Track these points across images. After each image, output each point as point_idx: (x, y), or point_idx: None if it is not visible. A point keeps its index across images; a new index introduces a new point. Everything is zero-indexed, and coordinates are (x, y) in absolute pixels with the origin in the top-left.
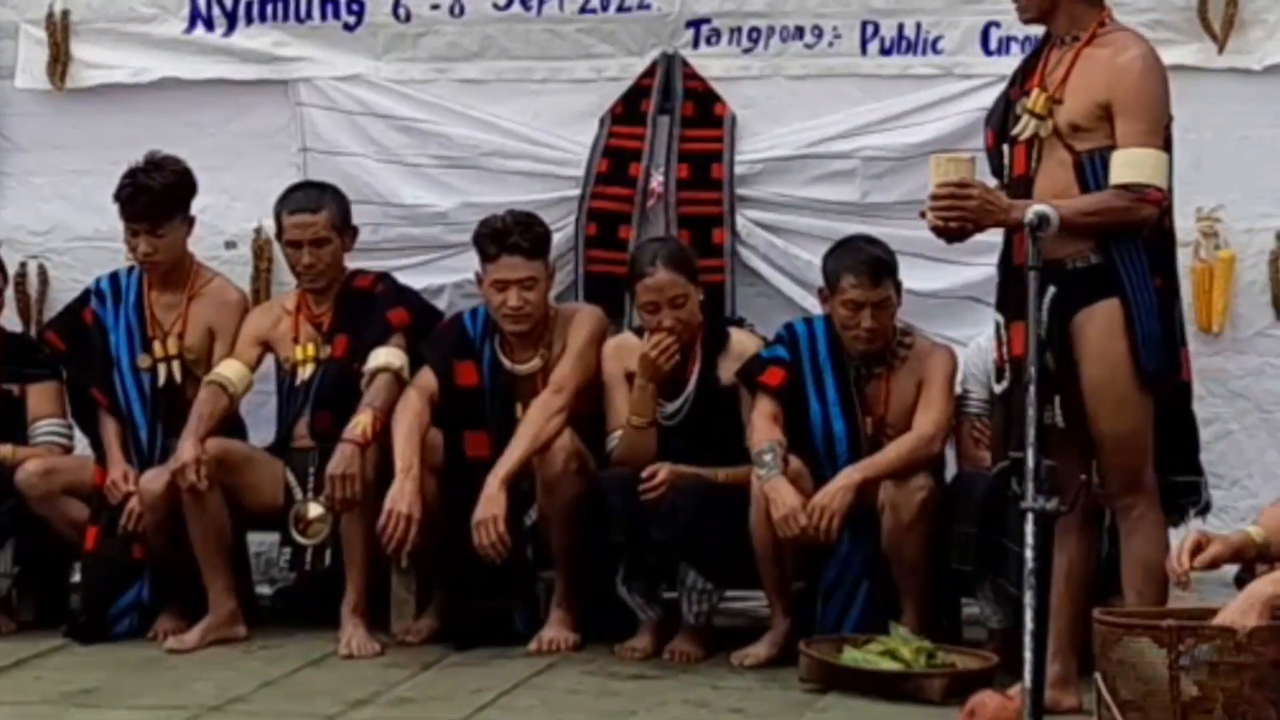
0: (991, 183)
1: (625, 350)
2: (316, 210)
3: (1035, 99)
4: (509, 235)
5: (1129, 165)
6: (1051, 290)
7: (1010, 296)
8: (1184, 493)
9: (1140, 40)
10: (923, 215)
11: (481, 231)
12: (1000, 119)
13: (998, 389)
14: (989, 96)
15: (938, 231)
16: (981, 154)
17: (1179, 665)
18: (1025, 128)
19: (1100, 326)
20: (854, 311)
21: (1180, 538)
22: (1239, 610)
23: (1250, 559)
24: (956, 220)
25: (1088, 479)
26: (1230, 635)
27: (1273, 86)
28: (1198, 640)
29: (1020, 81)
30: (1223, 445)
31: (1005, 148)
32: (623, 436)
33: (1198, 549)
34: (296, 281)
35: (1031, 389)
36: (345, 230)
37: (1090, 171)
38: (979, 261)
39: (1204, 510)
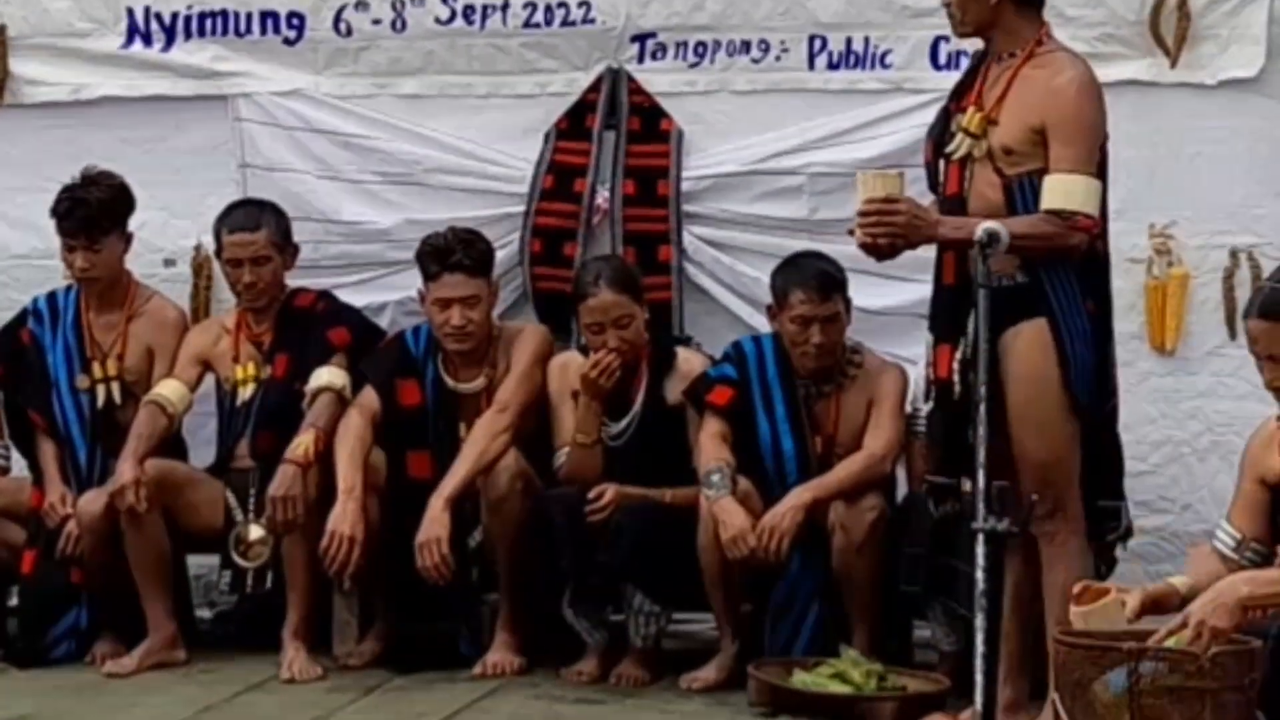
0: (928, 199)
1: (571, 368)
2: (256, 229)
3: (970, 118)
4: (451, 253)
5: (1060, 192)
6: (984, 310)
7: (937, 316)
8: (1107, 518)
9: (1078, 61)
10: (851, 233)
11: (424, 249)
12: (939, 133)
13: (923, 409)
14: (935, 113)
15: (866, 249)
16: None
17: (1139, 688)
18: (959, 146)
19: (1026, 346)
20: (803, 327)
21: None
22: (1209, 607)
23: (1171, 610)
24: (885, 236)
25: (1034, 500)
26: (1192, 659)
27: (1226, 101)
28: (1158, 663)
29: (958, 96)
30: (1174, 468)
31: (941, 163)
32: (569, 454)
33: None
34: (236, 300)
35: (982, 408)
36: (286, 248)
37: (1020, 196)
38: (928, 279)
39: (1125, 536)
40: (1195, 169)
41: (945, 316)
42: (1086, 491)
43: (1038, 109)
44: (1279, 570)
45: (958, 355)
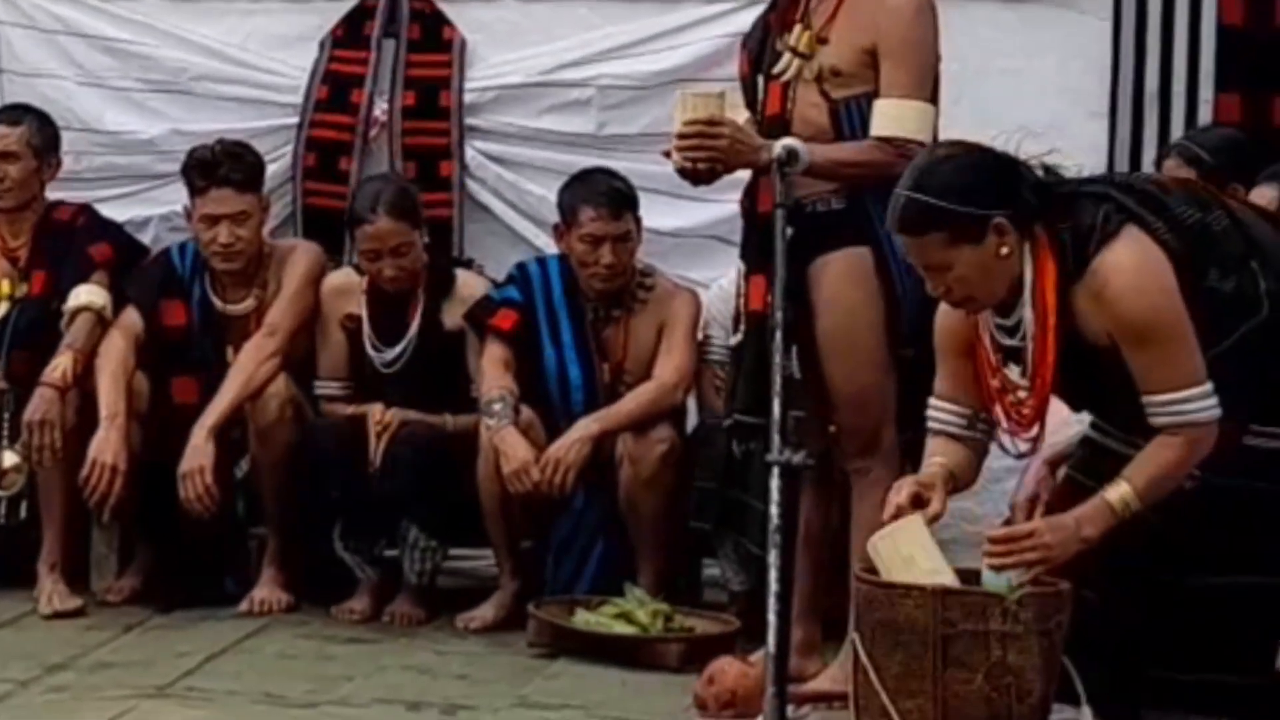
0: (742, 116)
1: (344, 292)
2: (14, 124)
3: (799, 37)
4: (218, 167)
5: (892, 118)
6: (788, 233)
7: (750, 245)
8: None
9: None
10: (667, 155)
11: (189, 162)
12: (757, 46)
13: (732, 341)
14: (737, 22)
15: (684, 173)
16: (733, 84)
17: (942, 629)
18: (787, 67)
19: (839, 274)
20: (593, 246)
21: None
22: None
23: (958, 489)
24: (705, 161)
25: (832, 433)
26: (996, 602)
27: (1035, 15)
28: (962, 605)
29: (780, 8)
30: None
31: (760, 80)
32: None
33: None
34: None
35: (778, 335)
36: (46, 155)
37: (847, 119)
38: (724, 199)
39: None
40: (1002, 86)
41: (759, 244)
42: (903, 425)
43: (870, 29)
44: (1105, 509)
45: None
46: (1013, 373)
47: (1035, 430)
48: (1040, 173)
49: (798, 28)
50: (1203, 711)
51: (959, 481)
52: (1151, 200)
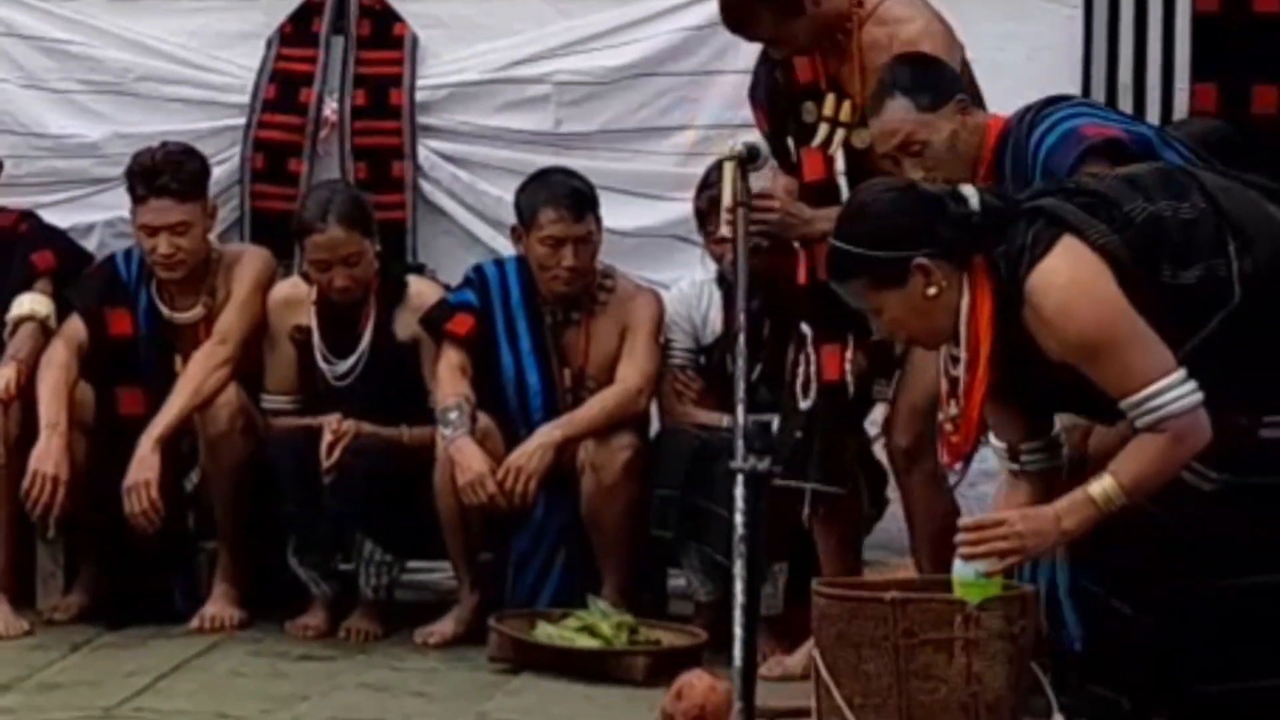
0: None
1: (292, 303)
2: None
3: (836, 106)
4: (158, 175)
5: None
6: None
7: (817, 311)
8: None
9: (915, 5)
10: (719, 242)
11: (131, 169)
12: (769, 100)
13: (803, 405)
14: (695, 15)
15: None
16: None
17: (902, 640)
18: (829, 137)
19: None
20: (554, 249)
21: None
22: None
23: None
24: (755, 236)
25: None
26: (958, 609)
27: (1005, 5)
28: (923, 614)
29: (792, 67)
30: None
31: (790, 143)
32: None
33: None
34: None
35: (741, 338)
36: None
37: None
38: (685, 197)
39: None
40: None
41: (828, 313)
42: None
43: None
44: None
45: (848, 355)
46: (953, 407)
47: (960, 464)
48: (975, 201)
49: (830, 97)
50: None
51: None
52: (1099, 202)
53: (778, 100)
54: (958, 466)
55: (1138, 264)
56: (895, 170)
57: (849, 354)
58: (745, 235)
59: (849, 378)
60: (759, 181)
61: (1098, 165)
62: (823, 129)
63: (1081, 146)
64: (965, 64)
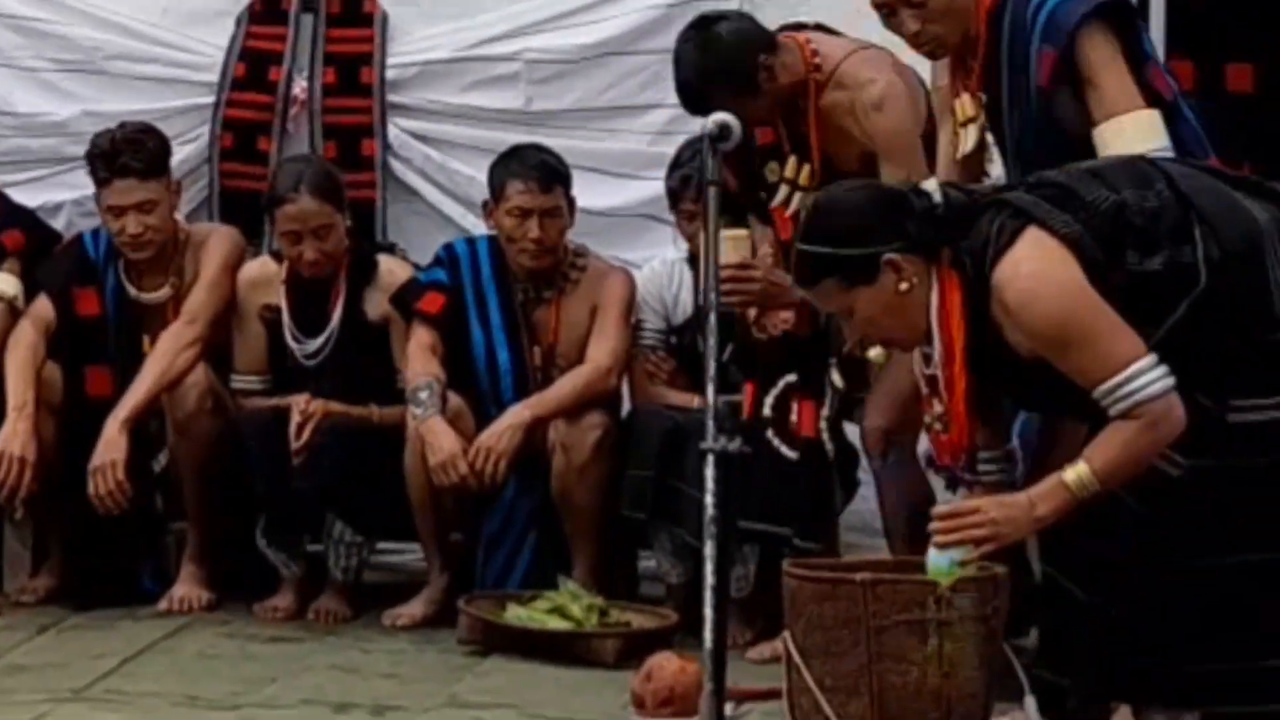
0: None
1: (261, 282)
2: None
3: (794, 170)
4: (118, 155)
5: None
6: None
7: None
8: None
9: (871, 62)
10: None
11: (91, 152)
12: (735, 156)
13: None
14: None
15: None
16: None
17: (874, 621)
18: (788, 198)
19: None
20: (520, 220)
21: None
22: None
23: None
24: (739, 305)
25: None
26: (930, 590)
27: None
28: (895, 596)
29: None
30: None
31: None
32: None
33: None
34: None
35: (711, 317)
36: None
37: None
38: (656, 176)
39: None
40: None
41: (799, 367)
42: None
43: (858, 138)
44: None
45: (824, 412)
46: (937, 405)
47: (962, 460)
48: (939, 197)
49: (791, 160)
50: (1218, 702)
51: None
52: (1062, 194)
53: (747, 158)
54: (957, 466)
55: (1103, 252)
56: (891, 23)
57: (824, 412)
58: (717, 217)
59: (824, 436)
60: (741, 250)
61: (1102, 32)
62: (783, 190)
63: (1094, 2)
64: (931, 117)
